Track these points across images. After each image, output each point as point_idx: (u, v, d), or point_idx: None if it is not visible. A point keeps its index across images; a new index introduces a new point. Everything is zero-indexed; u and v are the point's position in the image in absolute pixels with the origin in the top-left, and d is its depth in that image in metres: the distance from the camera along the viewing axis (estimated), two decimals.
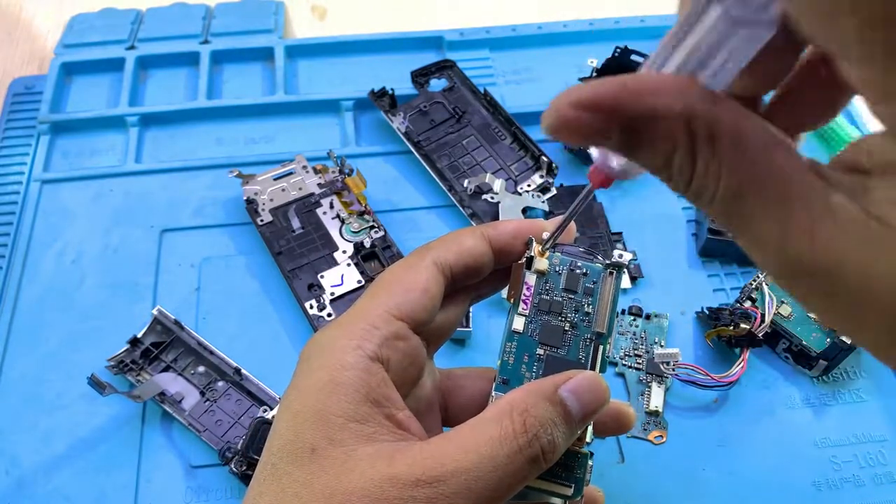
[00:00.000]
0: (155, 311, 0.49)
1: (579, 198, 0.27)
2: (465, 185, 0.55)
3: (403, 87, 0.61)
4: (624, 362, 0.48)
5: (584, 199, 0.27)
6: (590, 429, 0.28)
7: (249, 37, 0.68)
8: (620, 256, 0.30)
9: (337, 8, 0.75)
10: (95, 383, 0.44)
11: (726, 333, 0.47)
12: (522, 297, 0.30)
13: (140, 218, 0.56)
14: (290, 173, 0.56)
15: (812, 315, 0.48)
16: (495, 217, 0.54)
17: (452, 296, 0.31)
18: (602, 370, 0.29)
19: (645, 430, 0.46)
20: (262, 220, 0.54)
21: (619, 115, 0.18)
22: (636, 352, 0.49)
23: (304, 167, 0.56)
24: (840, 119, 0.60)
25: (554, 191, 0.56)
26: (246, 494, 0.26)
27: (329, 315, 0.49)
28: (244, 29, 0.69)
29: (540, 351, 0.29)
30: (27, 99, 0.65)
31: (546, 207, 0.55)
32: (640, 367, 0.48)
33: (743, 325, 0.46)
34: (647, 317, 0.50)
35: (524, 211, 0.55)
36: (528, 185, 0.56)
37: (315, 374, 0.27)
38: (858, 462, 0.45)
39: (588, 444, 0.28)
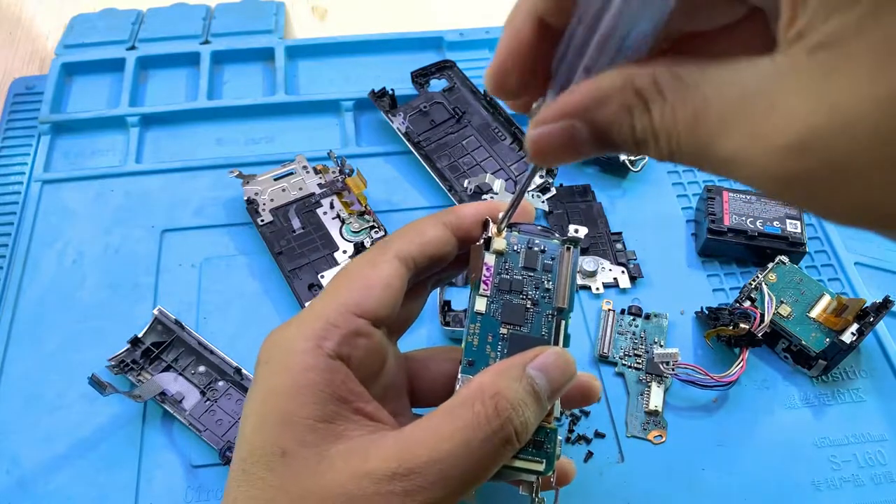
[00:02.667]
0: (156, 311, 0.49)
1: (527, 171, 0.27)
2: (465, 185, 0.55)
3: (403, 87, 0.61)
4: (623, 362, 0.48)
5: (533, 173, 0.27)
6: (557, 404, 0.28)
7: (250, 37, 0.68)
8: (576, 231, 0.30)
9: (337, 8, 0.76)
10: (96, 383, 0.44)
11: (726, 333, 0.47)
12: (483, 279, 0.30)
13: (141, 218, 0.56)
14: (291, 173, 0.56)
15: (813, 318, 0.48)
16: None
17: (415, 284, 0.31)
18: (566, 345, 0.29)
19: (644, 429, 0.46)
20: (262, 221, 0.54)
21: (577, 111, 0.20)
22: (635, 351, 0.49)
23: (305, 167, 0.57)
24: None
25: (554, 191, 0.56)
26: (222, 502, 0.26)
27: None
28: (244, 29, 0.69)
29: (503, 330, 0.29)
30: (28, 99, 0.65)
31: (546, 207, 0.55)
32: (640, 366, 0.48)
33: (742, 325, 0.46)
34: (647, 316, 0.50)
35: None
36: None
37: (276, 377, 0.26)
38: (858, 462, 0.45)
39: (557, 419, 0.28)
